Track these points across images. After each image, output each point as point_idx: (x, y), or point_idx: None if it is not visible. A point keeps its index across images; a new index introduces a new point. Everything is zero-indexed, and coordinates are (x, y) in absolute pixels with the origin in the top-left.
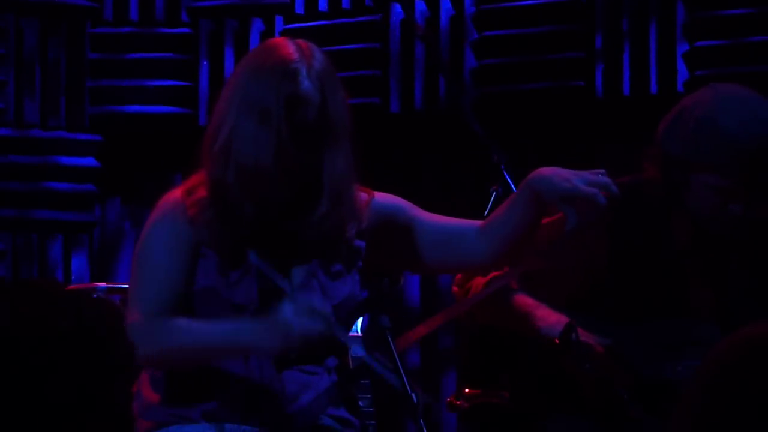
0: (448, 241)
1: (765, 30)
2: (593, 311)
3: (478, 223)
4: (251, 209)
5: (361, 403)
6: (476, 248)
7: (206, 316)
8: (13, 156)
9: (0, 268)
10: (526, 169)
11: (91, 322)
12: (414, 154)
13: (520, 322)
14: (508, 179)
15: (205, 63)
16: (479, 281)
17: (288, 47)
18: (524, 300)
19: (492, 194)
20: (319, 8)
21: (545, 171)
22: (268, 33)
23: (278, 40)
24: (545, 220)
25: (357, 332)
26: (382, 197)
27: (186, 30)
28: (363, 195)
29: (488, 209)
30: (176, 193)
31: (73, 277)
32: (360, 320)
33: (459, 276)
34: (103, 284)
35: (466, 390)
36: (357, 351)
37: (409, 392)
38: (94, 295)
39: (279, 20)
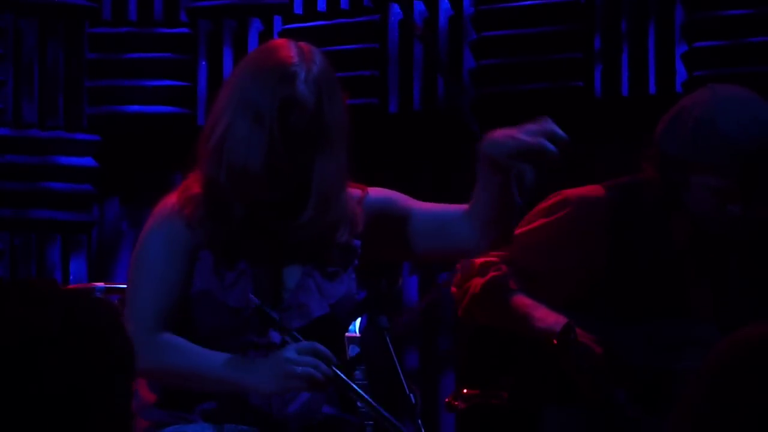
0: (440, 227)
1: (764, 31)
2: (592, 311)
3: (464, 207)
4: (241, 208)
5: (358, 404)
6: (466, 232)
7: (202, 318)
8: (11, 156)
9: None
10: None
11: (86, 322)
12: (412, 154)
13: (518, 322)
14: None
15: (203, 63)
16: (477, 281)
17: (289, 50)
18: (523, 300)
19: None
20: (318, 8)
21: (491, 135)
22: (266, 33)
23: (280, 41)
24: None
25: (355, 333)
26: (374, 192)
27: (185, 30)
28: (357, 192)
29: None
30: (172, 197)
31: (71, 278)
32: (358, 321)
33: (458, 276)
34: (101, 284)
35: (465, 390)
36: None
37: (407, 392)
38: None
39: (278, 20)
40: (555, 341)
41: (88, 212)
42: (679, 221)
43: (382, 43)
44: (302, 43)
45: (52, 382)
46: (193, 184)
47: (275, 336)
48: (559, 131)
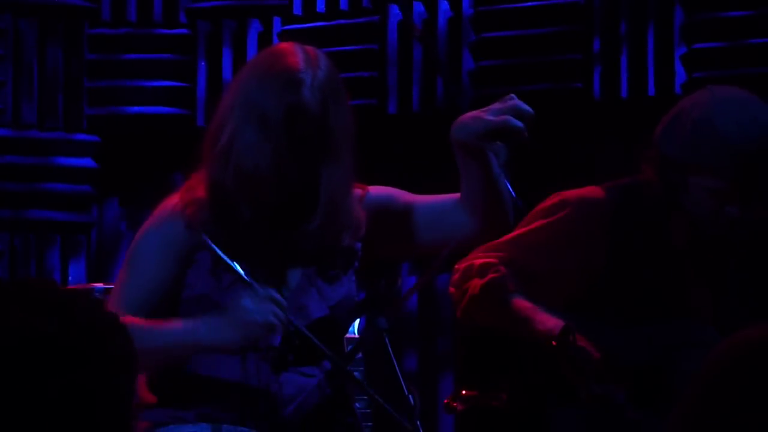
0: (439, 218)
1: (763, 32)
2: (591, 312)
3: (456, 195)
4: (248, 213)
5: (357, 405)
6: (462, 220)
7: None
8: (11, 156)
9: None
10: (524, 170)
11: (85, 323)
12: (411, 155)
13: (517, 324)
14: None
15: (203, 64)
16: (476, 283)
17: (295, 55)
18: (522, 302)
19: None
20: (317, 9)
21: (459, 119)
22: (266, 34)
23: (286, 46)
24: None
25: (354, 334)
26: (374, 190)
27: (184, 31)
28: (357, 192)
29: None
30: (175, 198)
31: (70, 278)
32: (357, 322)
33: (456, 277)
34: (100, 285)
35: (463, 392)
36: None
37: (406, 393)
38: (93, 296)
39: (277, 21)
40: (554, 343)
41: (87, 213)
42: (679, 222)
43: (381, 44)
44: (308, 48)
45: (52, 384)
46: (196, 186)
47: (276, 337)
48: (525, 106)
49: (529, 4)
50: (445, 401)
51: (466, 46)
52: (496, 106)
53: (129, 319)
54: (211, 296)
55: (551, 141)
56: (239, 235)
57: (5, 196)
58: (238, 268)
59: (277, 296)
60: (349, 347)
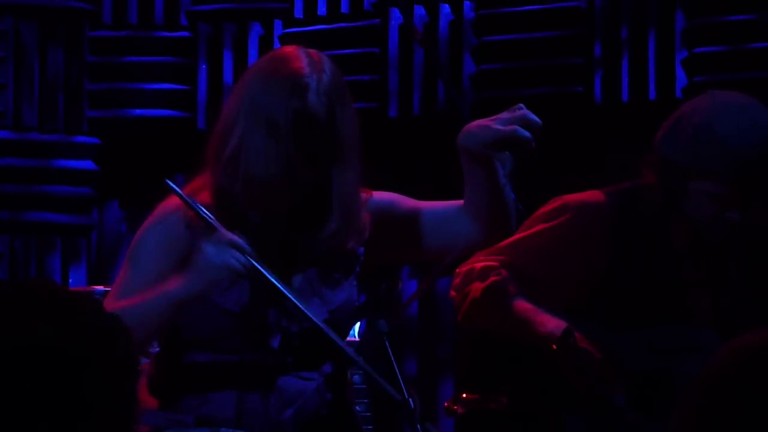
0: (442, 224)
1: (764, 36)
2: (592, 316)
3: (460, 202)
4: (257, 218)
5: (357, 408)
6: (465, 226)
7: (195, 321)
8: (11, 159)
9: None
10: (525, 173)
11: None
12: (412, 159)
13: (518, 327)
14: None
15: (204, 67)
16: (477, 286)
17: (300, 60)
18: (523, 305)
19: None
20: (318, 13)
21: (466, 127)
22: (266, 37)
23: (290, 50)
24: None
25: (355, 337)
26: (378, 195)
27: (185, 34)
28: (361, 196)
29: None
30: (176, 198)
31: (70, 281)
32: (357, 325)
33: (457, 280)
34: (100, 288)
35: (464, 395)
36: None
37: (406, 397)
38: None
39: (278, 24)
40: (554, 346)
41: (87, 215)
42: (679, 227)
43: (382, 48)
44: (311, 51)
45: (52, 387)
46: (200, 190)
47: (275, 341)
48: (533, 117)
49: (531, 7)
50: (446, 404)
51: (467, 50)
52: (505, 115)
53: (116, 304)
54: (210, 297)
55: (552, 145)
56: (246, 241)
57: (5, 198)
58: (205, 211)
59: (240, 242)
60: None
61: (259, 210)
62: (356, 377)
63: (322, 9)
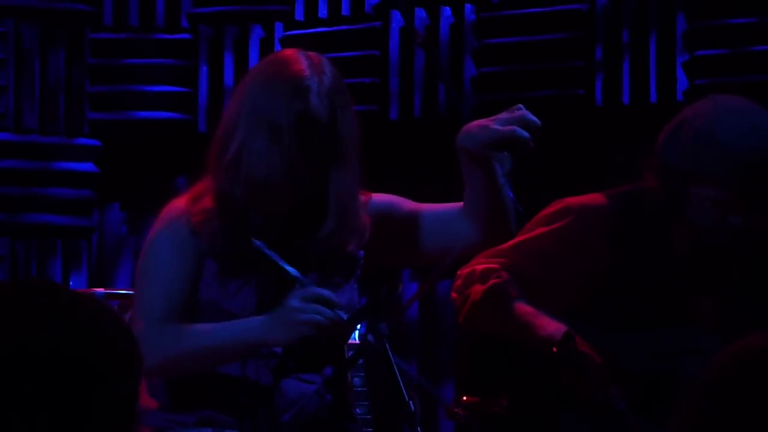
0: (442, 226)
1: (765, 39)
2: (593, 319)
3: (460, 204)
4: (258, 223)
5: (357, 411)
6: (464, 228)
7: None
8: (12, 161)
9: None
10: (526, 176)
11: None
12: (413, 161)
13: (519, 330)
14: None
15: (204, 69)
16: (478, 288)
17: (300, 62)
18: (524, 308)
19: None
20: (319, 15)
21: (465, 127)
22: (267, 39)
23: (290, 52)
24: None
25: (355, 340)
26: (377, 197)
27: (186, 36)
28: (361, 199)
29: None
30: (180, 202)
31: (71, 283)
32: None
33: (458, 283)
34: (101, 290)
35: (464, 398)
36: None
37: (407, 399)
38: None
39: (279, 27)
40: (555, 349)
41: (88, 218)
42: (681, 230)
43: (382, 50)
44: (311, 53)
45: (52, 388)
46: (203, 195)
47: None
48: (532, 117)
49: (532, 10)
50: (447, 407)
51: (468, 53)
52: (504, 115)
53: (170, 325)
54: (218, 302)
55: (553, 147)
56: (247, 244)
57: (6, 200)
58: (289, 267)
59: (329, 295)
60: (350, 353)
61: (260, 213)
62: (356, 380)
63: (323, 11)
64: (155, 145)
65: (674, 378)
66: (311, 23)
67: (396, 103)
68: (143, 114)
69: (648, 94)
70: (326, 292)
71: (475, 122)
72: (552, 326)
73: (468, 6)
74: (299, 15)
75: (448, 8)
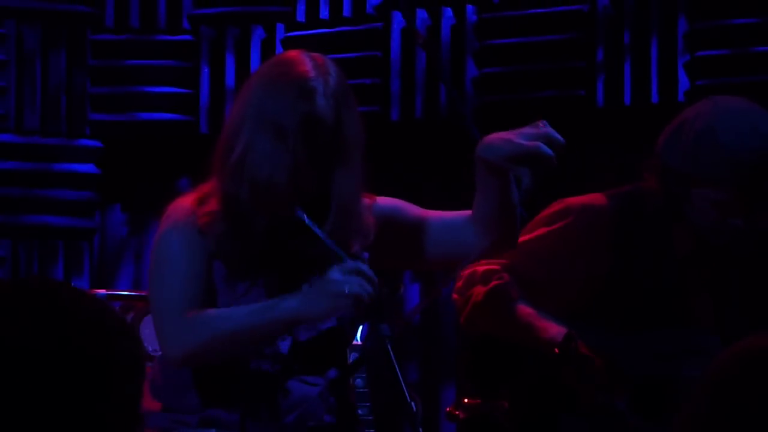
0: (448, 234)
1: (766, 40)
2: (593, 320)
3: (468, 212)
4: (263, 224)
5: (359, 412)
6: (472, 237)
7: None
8: (13, 162)
9: None
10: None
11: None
12: (414, 162)
13: (520, 331)
14: None
15: (206, 70)
16: (480, 290)
17: (304, 63)
18: (525, 310)
19: None
20: (321, 16)
21: (487, 138)
22: (269, 40)
23: (294, 54)
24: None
25: (357, 341)
26: (382, 201)
27: (187, 37)
28: (365, 201)
29: None
30: (186, 202)
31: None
32: (360, 329)
33: (459, 284)
34: (102, 291)
35: (466, 400)
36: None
37: (408, 401)
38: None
39: (280, 28)
40: (556, 351)
41: (89, 219)
42: (681, 231)
43: (384, 51)
44: (315, 55)
45: (55, 389)
46: (209, 197)
47: (284, 346)
48: (556, 135)
49: (533, 11)
50: (448, 409)
51: (470, 54)
52: (528, 130)
53: (193, 313)
54: (227, 304)
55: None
56: (254, 245)
57: (7, 201)
58: (328, 240)
59: (366, 269)
60: (353, 354)
61: (265, 214)
62: (359, 381)
63: (324, 12)
64: (157, 146)
65: (674, 379)
66: (312, 24)
67: (397, 104)
68: (144, 115)
69: (649, 94)
70: (367, 268)
71: (497, 134)
72: (553, 328)
73: (469, 7)
74: (300, 16)
75: (449, 9)
